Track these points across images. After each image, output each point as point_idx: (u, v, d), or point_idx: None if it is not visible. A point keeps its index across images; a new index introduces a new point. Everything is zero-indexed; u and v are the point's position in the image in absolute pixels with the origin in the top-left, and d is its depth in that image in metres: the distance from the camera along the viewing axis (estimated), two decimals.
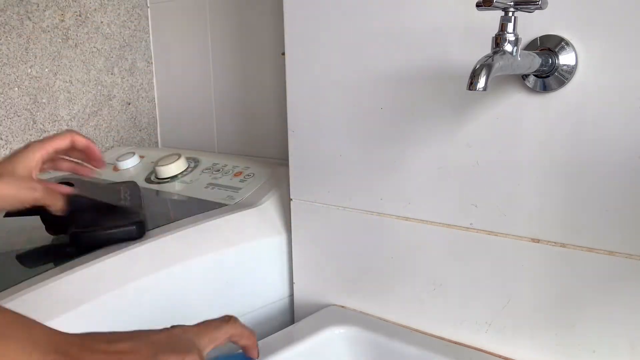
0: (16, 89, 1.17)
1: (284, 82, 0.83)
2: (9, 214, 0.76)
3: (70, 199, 0.71)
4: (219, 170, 1.05)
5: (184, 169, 1.08)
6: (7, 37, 1.14)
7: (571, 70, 0.58)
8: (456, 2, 0.65)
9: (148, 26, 1.37)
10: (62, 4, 1.22)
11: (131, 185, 0.96)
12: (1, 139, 1.16)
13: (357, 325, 0.76)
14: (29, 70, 1.18)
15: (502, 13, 0.53)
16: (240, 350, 0.55)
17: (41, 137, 1.20)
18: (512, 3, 0.52)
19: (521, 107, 0.62)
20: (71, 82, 1.25)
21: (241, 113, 1.22)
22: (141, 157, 1.18)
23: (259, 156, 1.17)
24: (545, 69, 0.58)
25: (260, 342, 0.57)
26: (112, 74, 1.32)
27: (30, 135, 1.19)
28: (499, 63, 0.50)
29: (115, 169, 1.17)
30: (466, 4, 0.64)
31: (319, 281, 0.85)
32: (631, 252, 0.57)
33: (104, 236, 0.76)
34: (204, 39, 1.25)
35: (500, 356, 0.68)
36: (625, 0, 0.54)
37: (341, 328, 0.76)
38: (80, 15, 1.25)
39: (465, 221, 0.68)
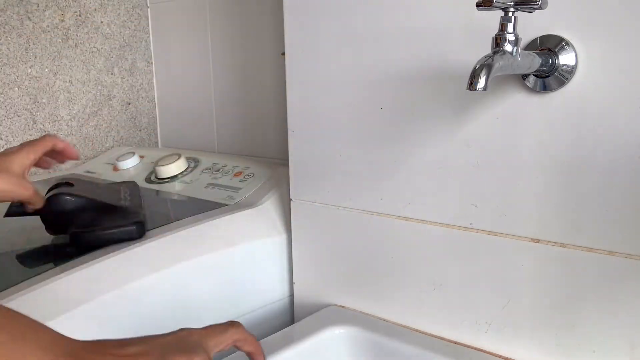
0: (16, 89, 1.17)
1: (284, 82, 0.83)
2: (9, 214, 0.76)
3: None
4: (219, 170, 1.05)
5: (184, 169, 1.08)
6: (7, 37, 1.14)
7: (571, 70, 0.58)
8: (456, 2, 0.65)
9: (148, 26, 1.37)
10: (62, 4, 1.22)
11: (131, 185, 0.96)
12: (1, 139, 1.16)
13: (357, 325, 0.76)
14: (29, 70, 1.18)
15: (502, 13, 0.53)
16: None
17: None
18: (512, 3, 0.52)
19: (521, 107, 0.62)
20: (71, 82, 1.25)
21: (241, 113, 1.22)
22: (141, 157, 1.18)
23: (259, 156, 1.17)
24: (545, 69, 0.58)
25: (260, 342, 0.57)
26: (112, 74, 1.32)
27: (30, 135, 1.19)
28: (499, 63, 0.50)
29: (115, 169, 1.17)
30: (466, 4, 0.64)
31: (319, 281, 0.85)
32: (631, 252, 0.57)
33: (104, 236, 0.76)
34: (204, 39, 1.25)
35: (500, 356, 0.68)
36: (625, 0, 0.54)
37: (341, 328, 0.76)
38: (80, 15, 1.25)
39: (465, 221, 0.68)
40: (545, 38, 0.59)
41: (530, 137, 0.62)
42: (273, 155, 1.15)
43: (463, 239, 0.69)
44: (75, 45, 1.25)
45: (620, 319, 0.59)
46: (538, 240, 0.63)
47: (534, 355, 0.65)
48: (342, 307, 0.83)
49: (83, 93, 1.27)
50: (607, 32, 0.56)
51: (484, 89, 0.48)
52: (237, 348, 0.54)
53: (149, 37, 1.37)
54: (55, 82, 1.22)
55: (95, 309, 0.68)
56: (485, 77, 0.48)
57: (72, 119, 1.26)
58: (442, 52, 0.67)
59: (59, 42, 1.22)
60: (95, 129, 1.31)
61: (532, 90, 0.61)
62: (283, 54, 0.83)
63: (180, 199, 1.00)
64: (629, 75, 0.55)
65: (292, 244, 0.88)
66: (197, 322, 0.54)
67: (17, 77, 1.16)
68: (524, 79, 0.61)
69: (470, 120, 0.66)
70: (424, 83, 0.69)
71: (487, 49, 0.53)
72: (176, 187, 1.05)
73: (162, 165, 1.07)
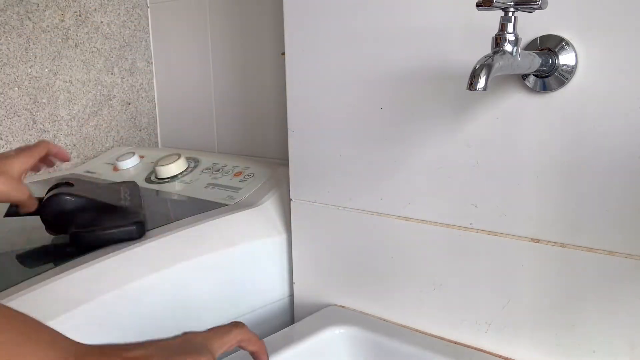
0: (16, 89, 1.17)
1: (284, 82, 0.83)
2: (9, 214, 0.77)
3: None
4: (219, 170, 1.05)
5: (184, 169, 1.08)
6: (7, 37, 1.14)
7: (571, 70, 0.58)
8: (456, 2, 0.65)
9: (148, 26, 1.37)
10: (62, 4, 1.22)
11: (131, 185, 0.96)
12: (1, 139, 1.16)
13: (357, 325, 0.76)
14: (29, 70, 1.18)
15: (502, 13, 0.53)
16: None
17: (41, 137, 1.21)
18: (512, 3, 0.52)
19: (521, 107, 0.62)
20: (71, 82, 1.25)
21: (241, 113, 1.22)
22: (141, 157, 1.18)
23: (259, 156, 1.17)
24: (545, 69, 0.58)
25: (264, 341, 0.57)
26: (112, 74, 1.32)
27: (30, 135, 1.19)
28: (499, 63, 0.50)
29: (115, 169, 1.17)
30: (466, 4, 0.64)
31: (319, 281, 0.85)
32: (631, 252, 0.57)
33: (104, 236, 0.76)
34: (204, 39, 1.25)
35: (500, 356, 0.68)
36: (625, 0, 0.54)
37: (341, 328, 0.76)
38: (80, 15, 1.25)
39: (465, 221, 0.68)
40: (545, 38, 0.59)
41: (530, 137, 0.62)
42: (273, 155, 1.15)
43: (463, 239, 0.69)
44: (75, 45, 1.25)
45: (620, 319, 0.59)
46: (538, 240, 0.63)
47: (534, 355, 0.65)
48: (342, 307, 0.83)
49: (83, 93, 1.27)
50: (607, 32, 0.56)
51: (484, 89, 0.48)
52: (242, 348, 0.55)
53: (149, 37, 1.37)
54: (55, 82, 1.22)
55: (95, 309, 0.68)
56: (485, 77, 0.48)
57: (72, 119, 1.26)
58: (442, 52, 0.67)
59: (59, 42, 1.22)
60: (95, 129, 1.31)
61: (532, 90, 0.61)
62: (283, 54, 0.83)
63: (180, 199, 1.00)
64: (629, 75, 0.55)
65: (292, 244, 0.88)
66: (197, 322, 0.54)
67: (17, 77, 1.16)
68: (524, 79, 0.61)
69: (470, 120, 0.66)
70: (424, 83, 0.69)
71: (487, 49, 0.53)
72: (176, 187, 1.05)
73: (162, 165, 1.07)
